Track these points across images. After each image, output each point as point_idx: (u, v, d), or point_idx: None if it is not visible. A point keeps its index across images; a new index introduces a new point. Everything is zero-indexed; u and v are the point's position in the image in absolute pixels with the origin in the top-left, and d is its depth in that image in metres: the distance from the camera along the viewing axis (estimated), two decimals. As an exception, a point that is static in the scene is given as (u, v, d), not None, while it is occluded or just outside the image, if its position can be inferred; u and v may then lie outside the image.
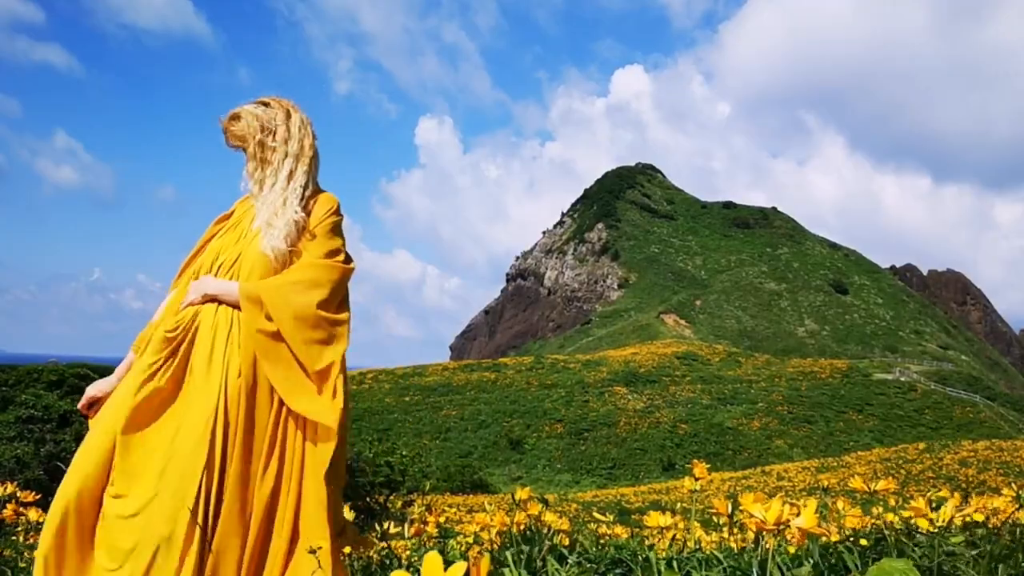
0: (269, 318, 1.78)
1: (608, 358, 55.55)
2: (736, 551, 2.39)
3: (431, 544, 2.93)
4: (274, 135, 1.97)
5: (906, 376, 51.78)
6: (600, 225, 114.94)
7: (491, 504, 2.99)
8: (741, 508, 1.68)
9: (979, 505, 2.72)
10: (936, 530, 1.98)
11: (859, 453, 33.17)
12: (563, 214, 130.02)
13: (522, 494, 2.52)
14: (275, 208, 1.90)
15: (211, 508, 1.67)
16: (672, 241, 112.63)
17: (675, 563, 2.24)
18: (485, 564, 0.89)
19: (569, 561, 2.36)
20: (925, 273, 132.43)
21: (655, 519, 2.54)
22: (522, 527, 2.50)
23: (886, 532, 2.19)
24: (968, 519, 2.29)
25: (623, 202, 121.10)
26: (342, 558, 1.81)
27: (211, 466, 1.67)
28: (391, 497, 11.09)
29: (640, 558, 2.33)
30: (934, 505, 2.09)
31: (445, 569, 0.85)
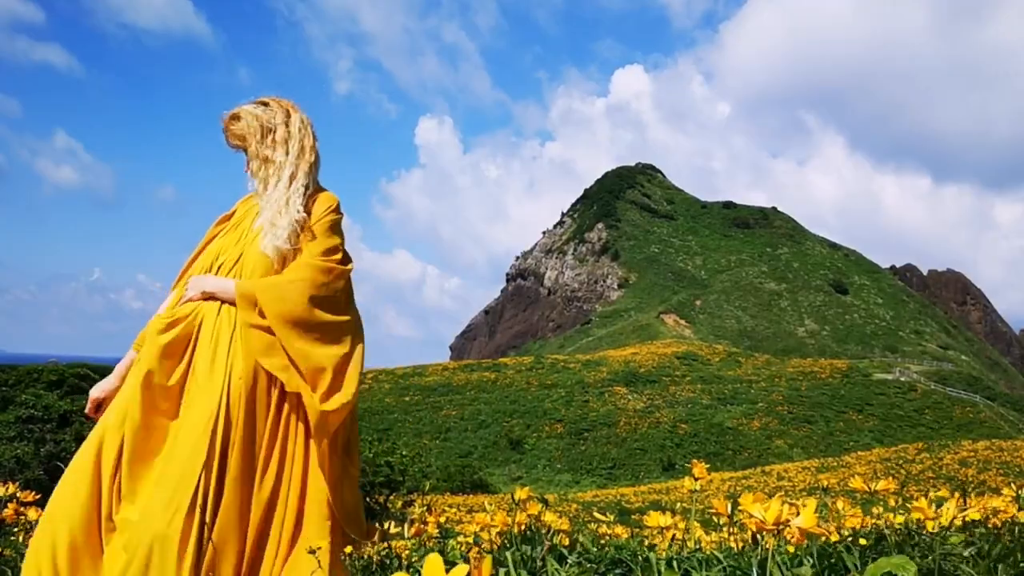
0: (263, 315, 1.79)
1: (608, 358, 55.55)
2: (736, 551, 2.39)
3: (431, 544, 2.93)
4: (274, 135, 1.97)
5: (906, 376, 51.79)
6: (600, 225, 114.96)
7: (491, 504, 2.99)
8: (741, 508, 1.68)
9: (979, 505, 2.73)
10: (937, 530, 1.98)
11: (859, 453, 33.17)
12: (563, 214, 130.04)
13: (521, 494, 2.52)
14: (278, 208, 1.90)
15: (209, 507, 1.67)
16: (672, 241, 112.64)
17: (675, 563, 2.24)
18: (487, 566, 0.88)
19: (569, 561, 2.36)
20: (925, 273, 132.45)
21: (655, 519, 2.54)
22: (522, 527, 2.51)
23: (886, 532, 2.19)
24: (968, 519, 2.29)
25: (623, 202, 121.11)
26: (342, 558, 1.81)
27: (210, 466, 1.68)
28: (391, 497, 11.09)
29: (640, 558, 2.33)
30: (934, 505, 2.09)
31: (447, 571, 0.84)
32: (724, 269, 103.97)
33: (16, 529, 3.30)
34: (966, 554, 1.93)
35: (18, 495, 3.19)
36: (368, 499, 10.99)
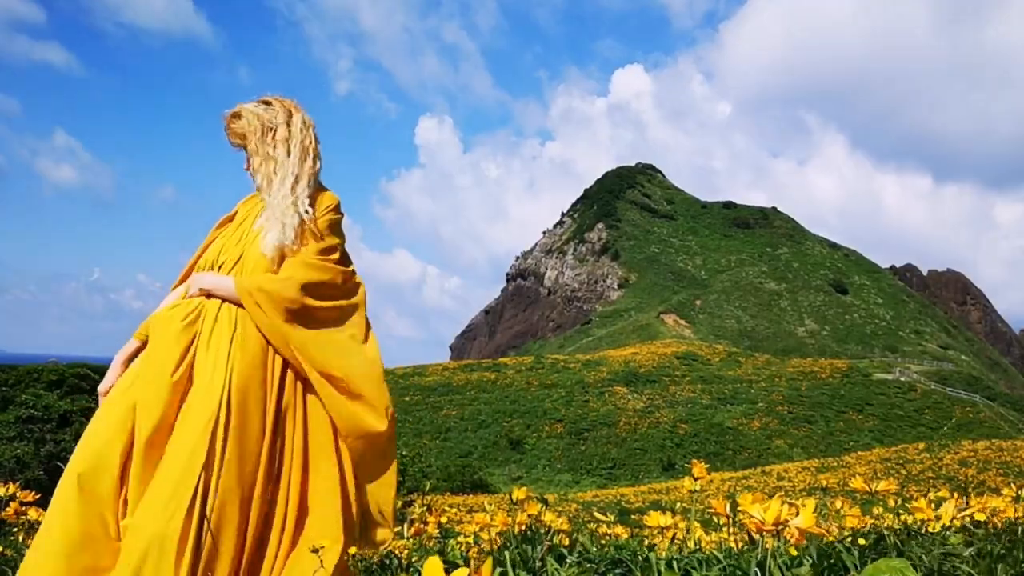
0: (260, 308, 1.81)
1: (608, 358, 55.56)
2: (736, 551, 2.39)
3: (431, 544, 2.93)
4: (274, 134, 1.97)
5: (906, 376, 51.79)
6: (600, 225, 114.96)
7: (491, 504, 2.99)
8: (741, 508, 1.68)
9: (979, 505, 2.73)
10: (937, 530, 1.98)
11: (859, 453, 33.18)
12: (563, 214, 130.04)
13: (520, 494, 2.52)
14: (280, 208, 1.90)
15: (208, 507, 1.67)
16: (672, 241, 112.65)
17: (675, 563, 2.24)
18: (487, 568, 0.87)
19: (569, 561, 2.36)
20: (925, 273, 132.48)
21: (655, 519, 2.54)
22: (522, 527, 2.50)
23: (885, 532, 2.19)
24: (968, 519, 2.29)
25: (623, 202, 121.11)
26: (346, 559, 1.81)
27: (209, 465, 1.67)
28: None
29: (640, 558, 2.33)
30: (934, 505, 2.09)
31: (447, 573, 0.84)
32: (724, 269, 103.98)
33: (16, 529, 3.29)
34: (966, 554, 1.93)
35: (18, 495, 3.19)
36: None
